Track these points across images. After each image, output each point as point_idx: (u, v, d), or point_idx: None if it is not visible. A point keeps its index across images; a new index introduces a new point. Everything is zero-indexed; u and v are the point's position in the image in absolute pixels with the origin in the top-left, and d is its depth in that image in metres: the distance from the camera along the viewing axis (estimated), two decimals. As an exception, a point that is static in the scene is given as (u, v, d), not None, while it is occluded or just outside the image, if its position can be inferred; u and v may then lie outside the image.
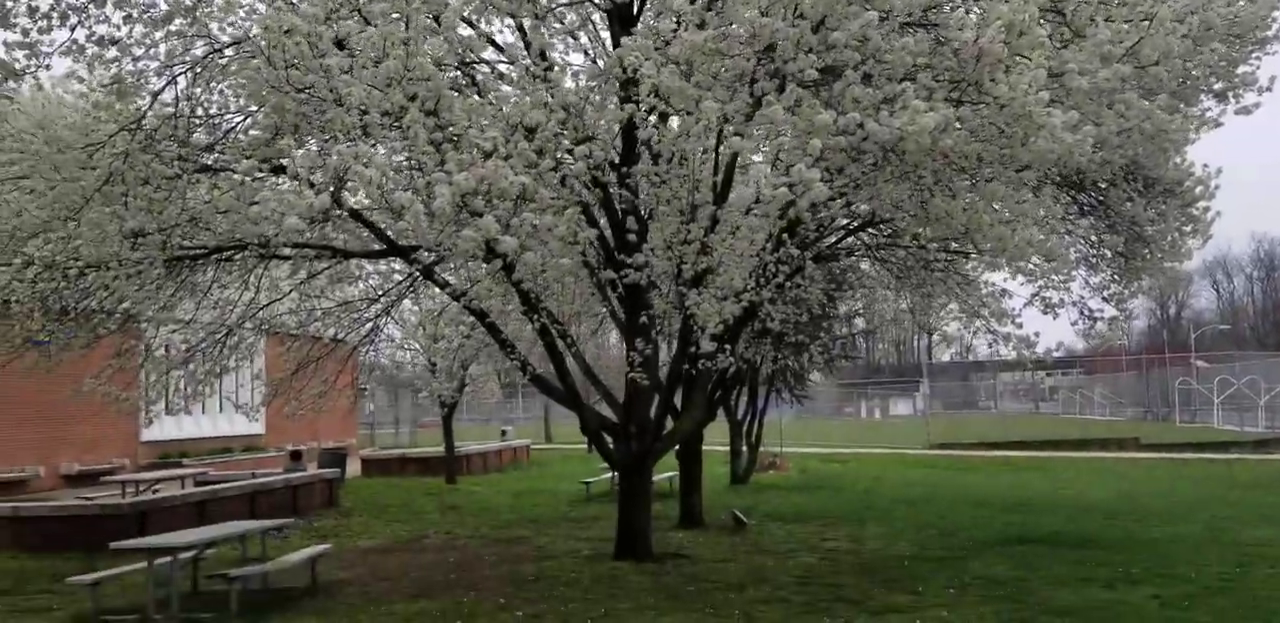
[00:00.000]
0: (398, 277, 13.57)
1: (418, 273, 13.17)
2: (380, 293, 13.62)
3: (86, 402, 23.48)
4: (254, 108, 8.33)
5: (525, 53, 9.02)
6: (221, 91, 8.38)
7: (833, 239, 11.79)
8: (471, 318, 14.86)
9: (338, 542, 13.59)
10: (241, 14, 7.02)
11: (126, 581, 9.91)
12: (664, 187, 9.07)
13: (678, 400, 12.02)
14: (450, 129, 6.63)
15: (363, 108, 6.20)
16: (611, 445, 11.45)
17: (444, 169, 6.34)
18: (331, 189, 5.94)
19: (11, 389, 21.45)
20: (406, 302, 15.89)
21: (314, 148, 7.26)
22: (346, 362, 14.94)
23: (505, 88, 7.94)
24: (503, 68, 10.56)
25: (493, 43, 9.70)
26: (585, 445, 34.34)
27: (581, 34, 10.51)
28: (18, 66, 6.51)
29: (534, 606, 9.25)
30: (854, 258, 13.89)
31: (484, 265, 9.88)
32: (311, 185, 5.98)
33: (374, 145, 6.13)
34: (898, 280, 12.85)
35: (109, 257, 7.90)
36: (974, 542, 12.94)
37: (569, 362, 10.98)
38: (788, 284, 10.82)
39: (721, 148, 7.16)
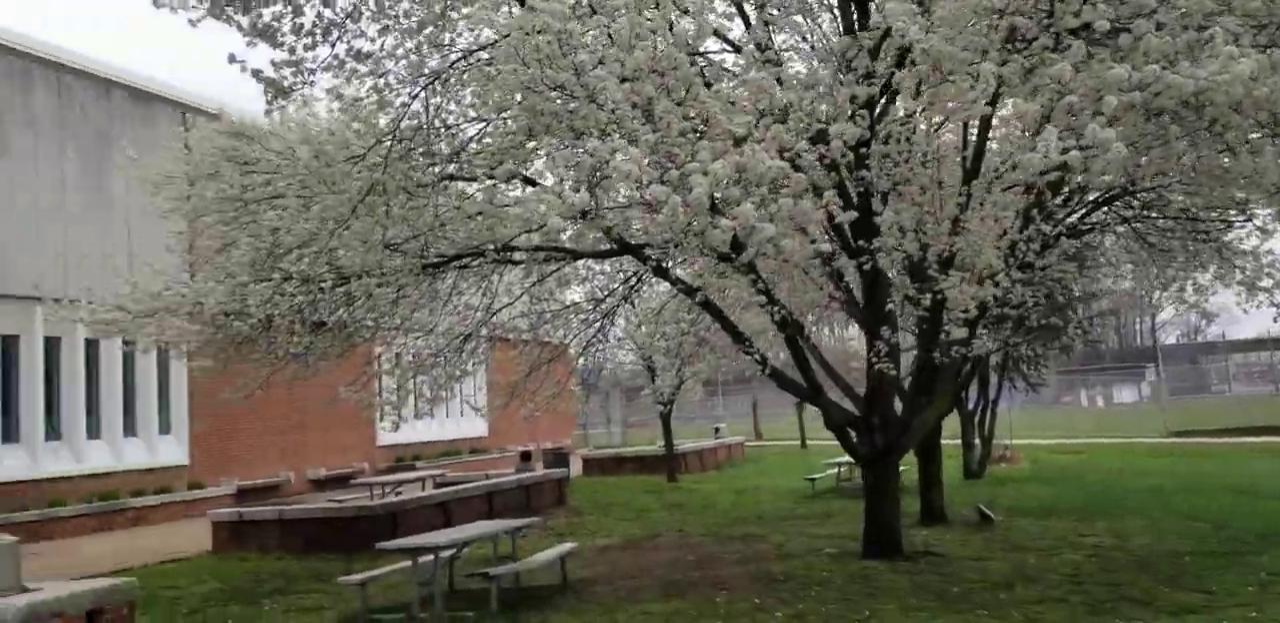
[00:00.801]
0: (621, 276, 13.63)
1: (643, 271, 13.21)
2: (605, 293, 13.70)
3: (329, 410, 24.89)
4: (494, 114, 8.46)
5: (752, 40, 8.79)
6: (458, 100, 8.54)
7: (1081, 212, 11.02)
8: (691, 314, 14.78)
9: (574, 540, 13.75)
10: (485, 20, 7.09)
11: (386, 580, 10.26)
12: (903, 165, 8.66)
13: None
14: (696, 118, 6.45)
15: (614, 104, 6.11)
16: (855, 440, 11.06)
17: (697, 159, 6.16)
18: (588, 187, 5.88)
19: (266, 399, 22.93)
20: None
21: (562, 148, 7.26)
22: (573, 363, 15.14)
23: (725, 85, 7.73)
24: (722, 58, 10.38)
25: (718, 34, 9.51)
26: (799, 441, 33.95)
27: (802, 19, 10.19)
28: (285, 84, 6.81)
29: (791, 606, 9.00)
30: (1097, 233, 12.98)
31: (714, 259, 9.73)
32: (561, 183, 5.93)
33: (626, 140, 6.01)
34: (1159, 254, 11.88)
35: (372, 265, 8.19)
36: (1253, 535, 11.85)
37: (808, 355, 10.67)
38: (1036, 263, 10.16)
39: (996, 111, 6.70)
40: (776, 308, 9.51)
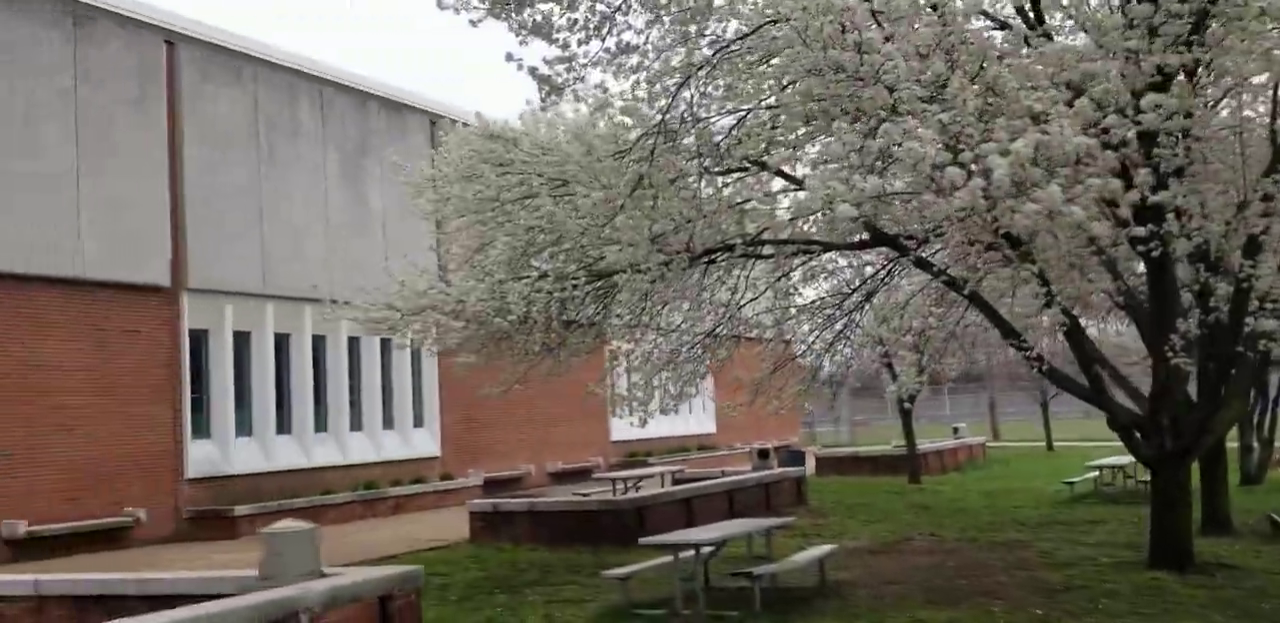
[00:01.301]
0: (868, 269, 13.19)
1: (890, 264, 12.71)
2: (851, 288, 13.29)
3: (567, 406, 25.54)
4: (751, 103, 8.27)
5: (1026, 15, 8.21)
6: (713, 92, 8.39)
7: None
8: (940, 308, 14.12)
9: (820, 541, 13.41)
10: (749, 6, 6.93)
11: (640, 575, 10.26)
12: (1203, 142, 7.86)
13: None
14: (990, 96, 6.02)
15: (902, 83, 5.79)
16: (1140, 442, 10.21)
17: (992, 138, 5.74)
18: (877, 172, 5.59)
19: (509, 395, 23.75)
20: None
21: (847, 132, 6.96)
22: (818, 361, 14.79)
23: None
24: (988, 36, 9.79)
25: (985, 13, 8.97)
26: (1044, 442, 32.20)
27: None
28: (559, 81, 6.88)
29: (1078, 619, 8.39)
30: None
31: (986, 248, 9.18)
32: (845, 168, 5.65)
33: (917, 121, 5.67)
34: None
35: (640, 259, 8.19)
36: None
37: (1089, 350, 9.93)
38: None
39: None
40: (1054, 300, 8.87)
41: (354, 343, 20.70)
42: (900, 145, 5.55)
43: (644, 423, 13.06)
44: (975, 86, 5.88)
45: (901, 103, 5.74)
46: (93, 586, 8.37)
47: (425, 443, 21.82)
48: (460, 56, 78.62)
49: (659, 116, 7.27)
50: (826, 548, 10.64)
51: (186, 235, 17.30)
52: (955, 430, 27.35)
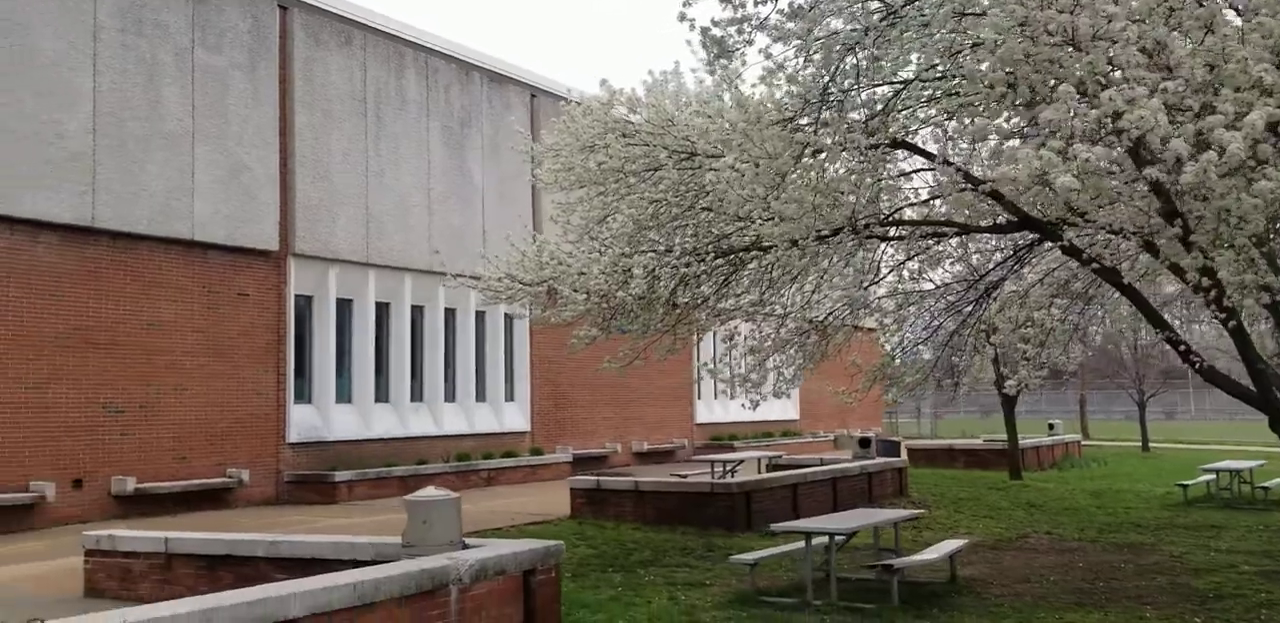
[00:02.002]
0: (999, 254, 12.66)
1: (1022, 249, 12.17)
2: (978, 274, 12.77)
3: (653, 386, 25.33)
4: (924, 73, 7.85)
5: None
6: (884, 56, 7.98)
7: None
8: (1063, 299, 13.54)
9: (931, 536, 13.00)
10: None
11: (765, 562, 9.98)
12: None
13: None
14: (1213, 65, 5.54)
15: (1121, 49, 5.34)
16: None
17: (1219, 111, 5.28)
18: (1103, 140, 5.18)
19: (599, 375, 23.60)
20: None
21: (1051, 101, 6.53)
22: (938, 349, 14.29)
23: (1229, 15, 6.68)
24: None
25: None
26: (1138, 443, 31.19)
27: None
28: (730, 42, 6.56)
29: (1241, 629, 7.89)
30: None
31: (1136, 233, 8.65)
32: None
33: (1146, 89, 5.23)
34: None
35: (801, 234, 7.84)
36: None
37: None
38: None
39: None
40: (1221, 294, 8.31)
41: (450, 315, 20.68)
42: (1119, 116, 5.14)
43: (755, 406, 12.73)
44: (1198, 55, 5.42)
45: (1122, 67, 5.31)
46: (222, 546, 8.32)
47: (515, 418, 21.77)
48: (566, 27, 78.26)
49: (822, 85, 6.90)
50: (958, 543, 10.25)
51: (294, 201, 17.35)
52: (1050, 427, 26.57)
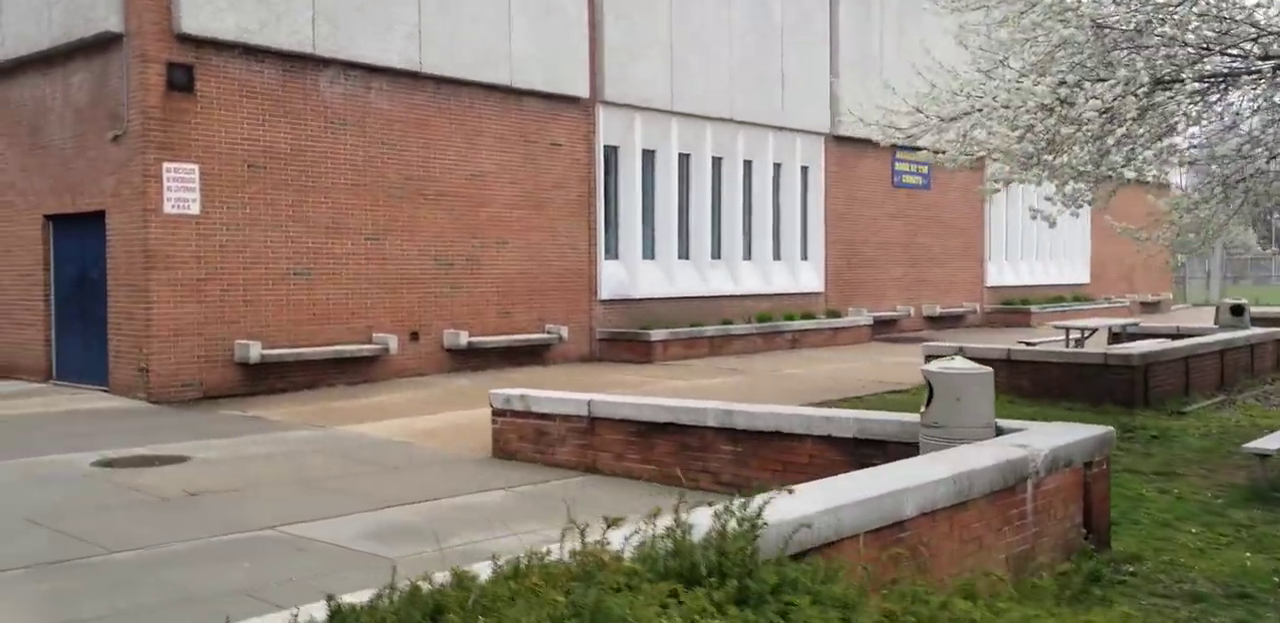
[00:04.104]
0: None
1: None
2: None
3: (944, 246, 23.54)
4: None
5: None
6: None
7: None
8: None
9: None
10: None
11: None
12: None
13: None
14: None
15: None
16: None
17: None
18: None
19: (888, 230, 22.03)
20: None
21: None
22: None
23: None
24: None
25: None
26: None
27: None
28: None
29: None
30: None
31: None
32: None
33: None
34: None
35: None
36: None
37: None
38: None
39: None
40: None
41: (747, 168, 19.38)
42: None
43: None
44: None
45: None
46: (662, 412, 7.54)
47: (810, 277, 20.59)
48: None
49: None
50: None
51: (603, 45, 16.16)
52: None
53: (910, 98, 9.73)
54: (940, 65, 9.95)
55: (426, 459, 8.48)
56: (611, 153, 16.90)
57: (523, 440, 8.39)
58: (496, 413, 8.55)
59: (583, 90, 15.94)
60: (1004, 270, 25.83)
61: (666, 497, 7.02)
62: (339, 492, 7.17)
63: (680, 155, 18.02)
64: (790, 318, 18.99)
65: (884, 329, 21.22)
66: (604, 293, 16.60)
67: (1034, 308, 24.54)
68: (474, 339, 14.52)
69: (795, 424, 6.81)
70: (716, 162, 18.76)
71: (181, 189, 11.78)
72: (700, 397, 10.79)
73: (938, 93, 9.69)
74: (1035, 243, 27.00)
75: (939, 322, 23.26)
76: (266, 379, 12.48)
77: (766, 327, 18.15)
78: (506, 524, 6.07)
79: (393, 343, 13.54)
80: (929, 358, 13.21)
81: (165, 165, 11.67)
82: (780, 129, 19.55)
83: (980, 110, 9.33)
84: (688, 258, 18.32)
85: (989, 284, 25.26)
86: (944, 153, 9.88)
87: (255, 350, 12.16)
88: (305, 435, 9.50)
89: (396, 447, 9.00)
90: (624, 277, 17.02)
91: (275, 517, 6.34)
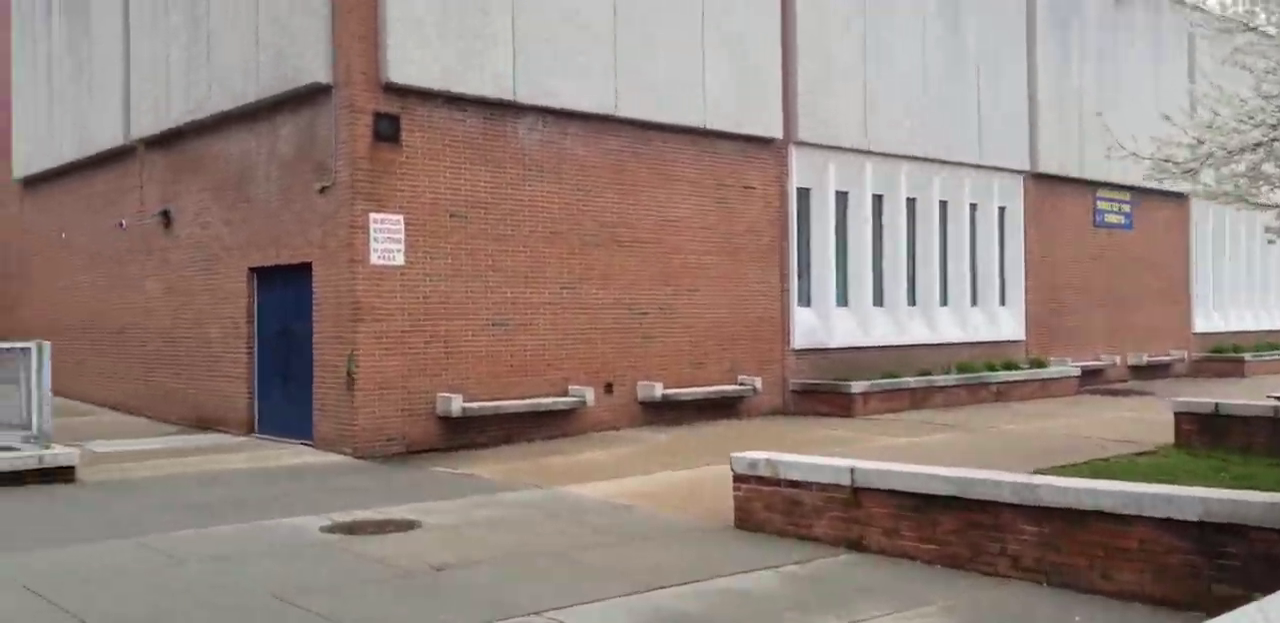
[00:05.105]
0: None
1: None
2: None
3: (1145, 290, 21.88)
4: None
5: None
6: None
7: None
8: None
9: None
10: None
11: None
12: None
13: None
14: None
15: None
16: None
17: None
18: None
19: (1090, 275, 20.60)
20: None
21: None
22: None
23: None
24: None
25: None
26: None
27: None
28: None
29: None
30: None
31: None
32: None
33: None
34: None
35: None
36: None
37: None
38: None
39: None
40: None
41: (942, 208, 18.37)
42: None
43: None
44: None
45: None
46: (944, 484, 6.65)
47: (1009, 324, 19.31)
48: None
49: None
50: None
51: (796, 84, 15.54)
52: None
53: (1157, 132, 8.66)
54: (1219, 89, 8.88)
55: (662, 528, 7.78)
56: (803, 195, 16.18)
57: (770, 510, 7.61)
58: (739, 479, 7.80)
59: (776, 130, 15.31)
60: (1211, 315, 23.88)
61: (959, 583, 6.19)
62: (591, 568, 6.52)
63: (873, 196, 17.16)
64: (992, 368, 17.74)
65: (1089, 380, 19.69)
66: (797, 342, 15.77)
67: (1247, 356, 22.51)
68: (668, 391, 13.88)
69: (1121, 502, 5.83)
70: (910, 202, 17.82)
71: (387, 240, 11.58)
72: (927, 458, 9.85)
73: (1220, 121, 8.62)
74: (1245, 285, 24.95)
75: (1144, 371, 21.53)
76: (466, 433, 12.09)
77: (970, 378, 16.97)
78: (794, 617, 5.28)
79: (589, 395, 13.02)
80: (1180, 415, 11.95)
81: (372, 216, 11.50)
82: (977, 167, 18.50)
83: (1276, 141, 8.22)
84: (881, 304, 17.35)
85: (1197, 330, 23.35)
86: (1227, 192, 8.75)
87: (457, 404, 11.79)
88: (527, 497, 8.95)
89: (623, 512, 8.34)
90: (817, 325, 16.18)
91: (534, 599, 5.71)
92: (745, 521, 7.77)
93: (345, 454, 11.39)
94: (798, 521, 7.45)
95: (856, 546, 7.07)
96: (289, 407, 12.48)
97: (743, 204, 15.12)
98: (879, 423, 14.44)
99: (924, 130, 17.37)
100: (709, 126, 14.45)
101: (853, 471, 7.15)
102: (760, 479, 7.68)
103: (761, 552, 6.99)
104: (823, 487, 7.32)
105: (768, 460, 7.64)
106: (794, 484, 7.48)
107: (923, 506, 6.76)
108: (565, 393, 13.04)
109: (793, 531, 7.46)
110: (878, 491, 7.01)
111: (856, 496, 7.13)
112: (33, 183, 19.00)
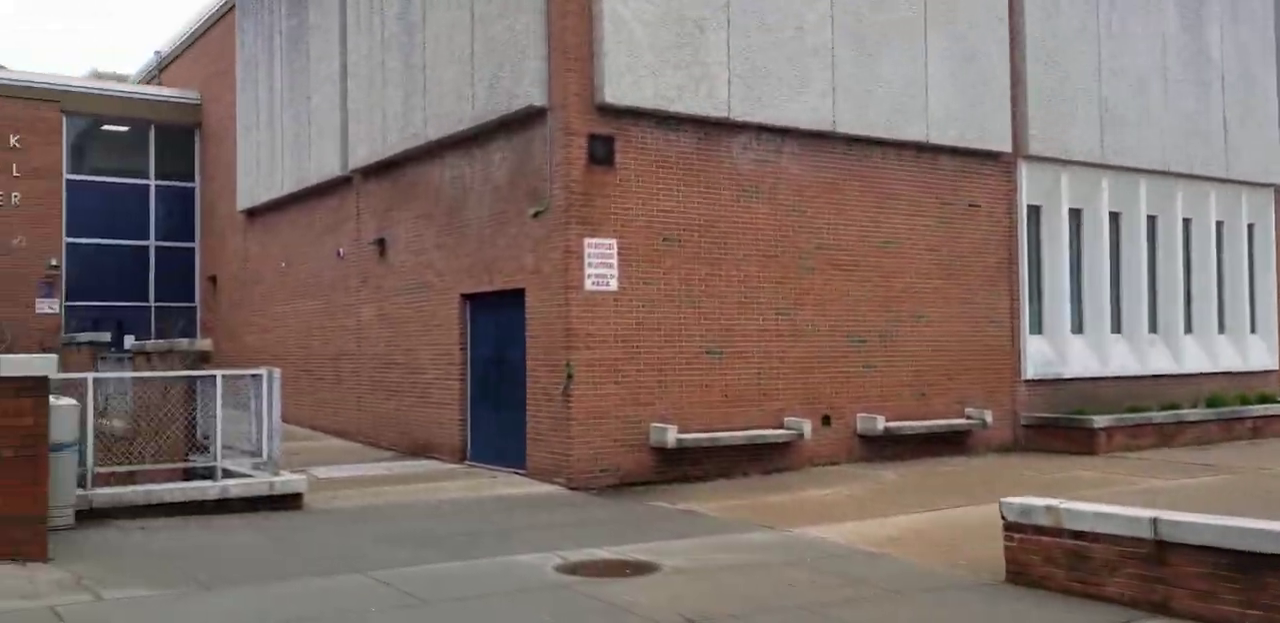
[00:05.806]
0: None
1: None
2: None
3: None
4: None
5: None
6: None
7: None
8: None
9: None
10: None
11: None
12: None
13: None
14: None
15: None
16: None
17: None
18: None
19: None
20: None
21: None
22: None
23: None
24: None
25: None
26: None
27: None
28: None
29: None
30: None
31: None
32: None
33: None
34: None
35: None
36: None
37: None
38: None
39: None
40: None
41: (1185, 226, 16.78)
42: None
43: None
44: None
45: None
46: (1270, 539, 5.62)
47: (1260, 354, 17.44)
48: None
49: None
50: None
51: (1026, 94, 14.47)
52: None
53: None
54: None
55: (925, 581, 6.96)
56: (1034, 213, 15.01)
57: (1051, 564, 6.69)
58: (1011, 527, 6.91)
59: (1004, 144, 14.27)
60: None
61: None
62: (859, 627, 5.80)
63: (1110, 213, 15.79)
64: (1245, 401, 15.97)
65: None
66: (1029, 372, 14.57)
67: None
68: (891, 425, 12.98)
69: None
70: (1151, 220, 16.33)
71: (601, 265, 11.24)
72: (1208, 505, 8.63)
73: None
74: None
75: None
76: (681, 465, 11.55)
77: (1224, 412, 15.31)
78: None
79: (806, 428, 12.27)
80: None
81: (586, 241, 11.19)
82: (1223, 181, 16.84)
83: None
84: (1120, 332, 15.90)
85: None
86: None
87: (672, 435, 11.28)
88: (761, 540, 8.29)
89: (875, 561, 7.56)
90: (1050, 353, 14.92)
91: (804, 664, 5.04)
92: (1020, 575, 6.87)
93: (558, 484, 11.04)
94: (1085, 577, 6.50)
95: (1162, 608, 6.07)
96: (501, 434, 12.26)
97: (966, 223, 14.12)
98: (1127, 462, 13.09)
99: (1164, 142, 15.91)
100: (931, 141, 13.57)
101: (1155, 522, 6.16)
102: (1038, 529, 6.77)
103: (1047, 613, 6.10)
104: (1116, 540, 6.36)
105: (1048, 507, 6.73)
106: (1079, 536, 6.55)
107: (1247, 565, 5.73)
108: (781, 425, 12.34)
109: (1078, 588, 6.52)
110: (1188, 546, 6.02)
111: (1161, 550, 6.14)
112: (255, 214, 19.81)
